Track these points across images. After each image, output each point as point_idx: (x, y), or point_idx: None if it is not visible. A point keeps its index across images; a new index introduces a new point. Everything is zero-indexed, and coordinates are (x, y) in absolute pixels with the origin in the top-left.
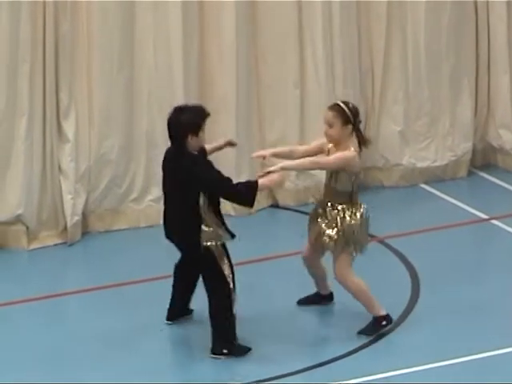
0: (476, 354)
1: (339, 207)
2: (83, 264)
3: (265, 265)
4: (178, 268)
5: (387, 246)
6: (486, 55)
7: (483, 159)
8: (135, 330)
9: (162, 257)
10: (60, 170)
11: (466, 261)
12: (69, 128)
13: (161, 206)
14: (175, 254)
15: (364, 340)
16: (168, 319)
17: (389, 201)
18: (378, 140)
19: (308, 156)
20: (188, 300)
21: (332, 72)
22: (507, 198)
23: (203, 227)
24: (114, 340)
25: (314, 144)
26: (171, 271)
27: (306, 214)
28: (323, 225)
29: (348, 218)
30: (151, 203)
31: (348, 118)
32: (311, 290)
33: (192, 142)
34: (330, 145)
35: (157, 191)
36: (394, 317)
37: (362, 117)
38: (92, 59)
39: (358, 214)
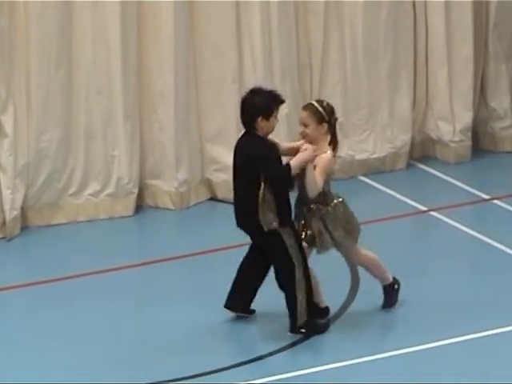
0: (415, 346)
1: (314, 207)
2: (22, 259)
3: (202, 258)
4: (245, 259)
5: None
6: (423, 48)
7: (422, 151)
8: (75, 325)
9: (101, 251)
10: None
11: (405, 253)
12: (7, 123)
13: (99, 200)
14: (114, 248)
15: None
16: (226, 306)
17: None
18: None
19: (288, 153)
20: (250, 294)
21: (270, 67)
22: (446, 190)
23: (266, 211)
24: (53, 334)
25: (294, 143)
26: (110, 265)
27: None
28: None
29: (329, 210)
30: (90, 197)
31: (322, 116)
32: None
33: (262, 125)
34: (305, 145)
35: (95, 185)
36: (334, 309)
37: (298, 111)
38: (30, 55)
39: (335, 205)
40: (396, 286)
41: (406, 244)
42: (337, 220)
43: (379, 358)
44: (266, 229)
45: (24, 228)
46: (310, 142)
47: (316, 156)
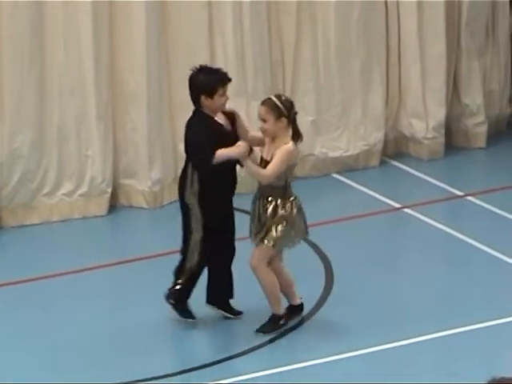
0: (387, 343)
1: (269, 199)
2: None
3: (176, 257)
4: None
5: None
6: (396, 46)
7: (395, 148)
8: (49, 325)
9: (75, 250)
10: None
11: (379, 250)
12: None
13: (73, 200)
14: (89, 248)
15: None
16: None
17: (301, 191)
18: None
19: (251, 142)
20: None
21: (242, 65)
22: (419, 187)
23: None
24: (27, 334)
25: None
26: (84, 265)
27: None
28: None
29: (280, 211)
30: (64, 197)
31: (281, 111)
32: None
33: (207, 104)
34: (267, 139)
35: (69, 185)
36: (308, 307)
37: None
38: (2, 55)
39: (290, 208)
40: (282, 322)
41: (379, 241)
42: (281, 217)
43: (350, 357)
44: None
45: None
46: (271, 137)
47: (249, 153)
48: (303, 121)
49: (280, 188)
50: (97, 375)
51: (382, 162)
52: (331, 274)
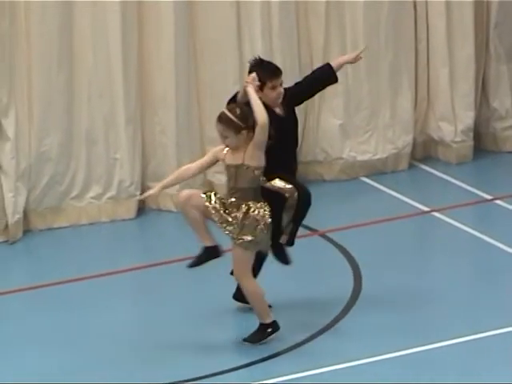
0: (419, 346)
1: (244, 202)
2: (25, 262)
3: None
4: None
5: (329, 239)
6: (425, 49)
7: (423, 152)
8: (77, 327)
9: (103, 254)
10: (0, 168)
11: (408, 253)
12: (9, 126)
13: (101, 203)
14: (117, 251)
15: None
16: (234, 297)
17: (329, 194)
18: (318, 133)
19: (202, 171)
20: None
21: None
22: (448, 190)
23: None
24: (56, 337)
25: (206, 156)
26: (114, 268)
27: None
28: (224, 223)
29: (255, 212)
30: (92, 200)
31: (238, 126)
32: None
33: (260, 96)
34: (226, 150)
35: (97, 188)
36: (337, 310)
37: (301, 111)
38: (31, 58)
39: (263, 210)
40: (270, 330)
41: (408, 244)
42: (255, 219)
43: (381, 360)
44: None
45: (26, 231)
46: (235, 149)
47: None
48: (331, 124)
49: (253, 190)
50: (124, 376)
51: (411, 166)
52: (360, 278)
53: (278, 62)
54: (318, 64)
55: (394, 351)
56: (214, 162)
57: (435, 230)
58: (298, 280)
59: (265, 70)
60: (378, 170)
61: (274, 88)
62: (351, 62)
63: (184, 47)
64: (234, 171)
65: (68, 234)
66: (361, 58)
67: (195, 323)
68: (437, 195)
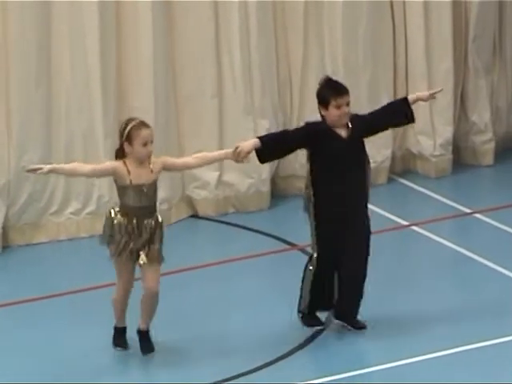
0: (401, 360)
1: (154, 216)
2: (4, 278)
3: (183, 276)
4: None
5: (308, 254)
6: (403, 63)
7: (402, 166)
8: (58, 344)
9: (82, 269)
10: None
11: (387, 267)
12: None
13: (80, 219)
14: (96, 267)
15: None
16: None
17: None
18: None
19: (94, 176)
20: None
21: (250, 82)
22: (427, 204)
23: None
24: (33, 353)
25: (105, 165)
26: (93, 283)
27: (225, 223)
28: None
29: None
30: (71, 216)
31: (121, 139)
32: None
33: (324, 114)
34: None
35: (76, 204)
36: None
37: (279, 126)
38: (10, 75)
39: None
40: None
41: (387, 259)
42: (162, 233)
43: (362, 373)
44: None
45: (5, 247)
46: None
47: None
48: None
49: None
50: None
51: (390, 180)
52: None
53: (255, 77)
54: (296, 78)
55: (374, 365)
56: (110, 174)
57: (414, 244)
58: (279, 294)
59: (330, 88)
60: None
61: (338, 107)
62: (424, 100)
63: (163, 63)
64: (147, 190)
65: (47, 249)
66: (434, 97)
67: (172, 336)
68: (416, 209)
